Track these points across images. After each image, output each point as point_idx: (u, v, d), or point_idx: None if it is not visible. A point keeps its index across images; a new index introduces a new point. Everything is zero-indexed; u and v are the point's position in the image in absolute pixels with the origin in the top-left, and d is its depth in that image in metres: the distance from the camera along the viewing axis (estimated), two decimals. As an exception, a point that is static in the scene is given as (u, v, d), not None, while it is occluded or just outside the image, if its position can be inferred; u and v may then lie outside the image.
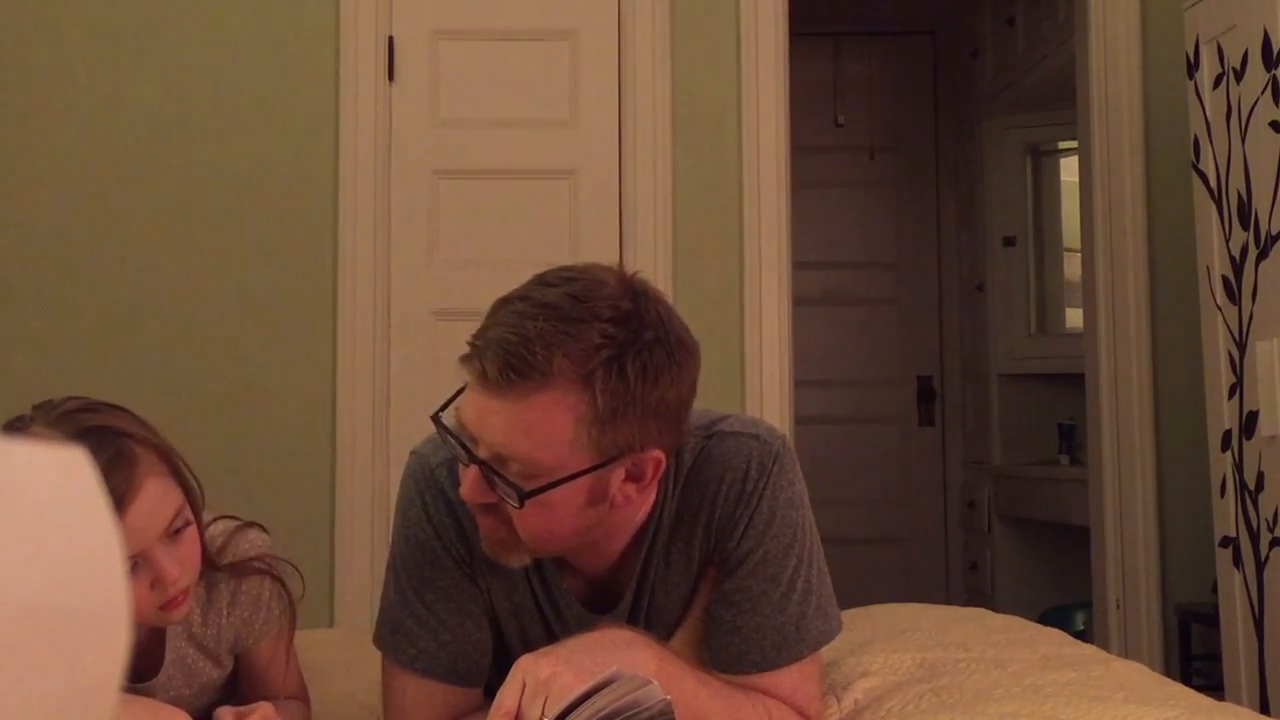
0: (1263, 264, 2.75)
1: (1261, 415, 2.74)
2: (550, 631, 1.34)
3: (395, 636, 1.34)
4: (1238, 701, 2.76)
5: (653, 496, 1.29)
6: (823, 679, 1.41)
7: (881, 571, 4.85)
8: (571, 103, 3.32)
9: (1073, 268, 4.53)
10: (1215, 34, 2.91)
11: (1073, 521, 4.06)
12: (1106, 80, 3.50)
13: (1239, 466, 2.84)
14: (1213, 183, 2.94)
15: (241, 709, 1.32)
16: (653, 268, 3.20)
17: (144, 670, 1.37)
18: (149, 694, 1.36)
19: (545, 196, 3.30)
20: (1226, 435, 2.90)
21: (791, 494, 1.31)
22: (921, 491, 5.13)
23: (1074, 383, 3.94)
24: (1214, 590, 3.03)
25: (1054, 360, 4.61)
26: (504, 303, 1.18)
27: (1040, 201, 4.89)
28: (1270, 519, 2.72)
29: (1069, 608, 4.30)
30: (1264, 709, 2.71)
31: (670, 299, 3.52)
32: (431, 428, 1.41)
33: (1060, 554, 4.55)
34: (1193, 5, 3.02)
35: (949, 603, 3.97)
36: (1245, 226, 2.81)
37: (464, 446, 1.18)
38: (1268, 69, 2.71)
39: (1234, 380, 2.86)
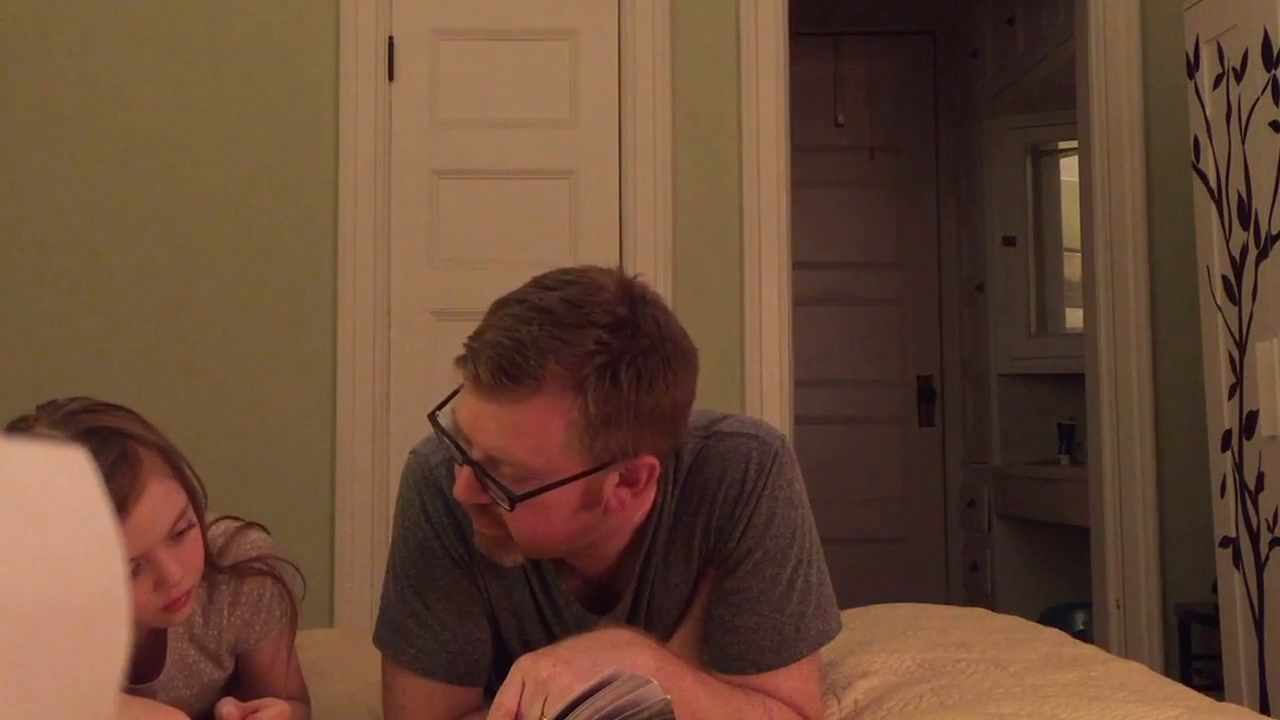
0: (1263, 264, 2.75)
1: (1261, 415, 2.74)
2: (549, 632, 1.34)
3: (395, 636, 1.34)
4: (1238, 701, 2.76)
5: (650, 499, 1.28)
6: (822, 679, 1.41)
7: (881, 571, 4.85)
8: (571, 103, 3.32)
9: (1073, 268, 4.54)
10: (1215, 34, 2.91)
11: (1073, 521, 4.06)
12: (1106, 80, 3.50)
13: (1239, 466, 2.84)
14: (1213, 183, 2.94)
15: (248, 704, 1.32)
16: (653, 268, 3.20)
17: (145, 671, 1.37)
18: (150, 695, 1.36)
19: (545, 196, 3.30)
20: (1226, 435, 2.90)
21: (790, 494, 1.31)
22: (921, 491, 5.13)
23: (1074, 383, 3.94)
24: (1214, 590, 3.03)
25: (1054, 360, 4.61)
26: (501, 305, 1.18)
27: (1040, 201, 4.89)
28: (1270, 519, 2.72)
29: (1069, 608, 4.30)
30: (1264, 709, 2.71)
31: (670, 299, 3.51)
32: (428, 428, 1.41)
33: (1060, 554, 4.55)
34: (1193, 5, 3.02)
35: (949, 603, 3.97)
36: (1245, 226, 2.81)
37: (458, 447, 1.19)
38: (1268, 69, 2.71)
39: (1234, 380, 2.86)
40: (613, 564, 1.33)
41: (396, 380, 3.23)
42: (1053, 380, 4.64)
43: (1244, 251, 2.82)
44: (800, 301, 3.81)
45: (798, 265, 3.50)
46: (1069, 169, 4.75)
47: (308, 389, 3.23)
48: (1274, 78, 2.69)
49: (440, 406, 1.22)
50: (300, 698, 1.50)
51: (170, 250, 3.24)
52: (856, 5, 5.12)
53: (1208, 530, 3.06)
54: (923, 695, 1.38)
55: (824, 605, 1.33)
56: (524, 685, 1.12)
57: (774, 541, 1.29)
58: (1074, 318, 4.53)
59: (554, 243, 3.24)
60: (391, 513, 1.46)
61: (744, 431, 1.33)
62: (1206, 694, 1.50)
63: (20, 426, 1.24)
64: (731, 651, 1.29)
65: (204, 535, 1.33)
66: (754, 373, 3.27)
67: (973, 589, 4.87)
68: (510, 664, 1.16)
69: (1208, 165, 2.96)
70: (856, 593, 2.76)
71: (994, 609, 2.28)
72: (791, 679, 1.30)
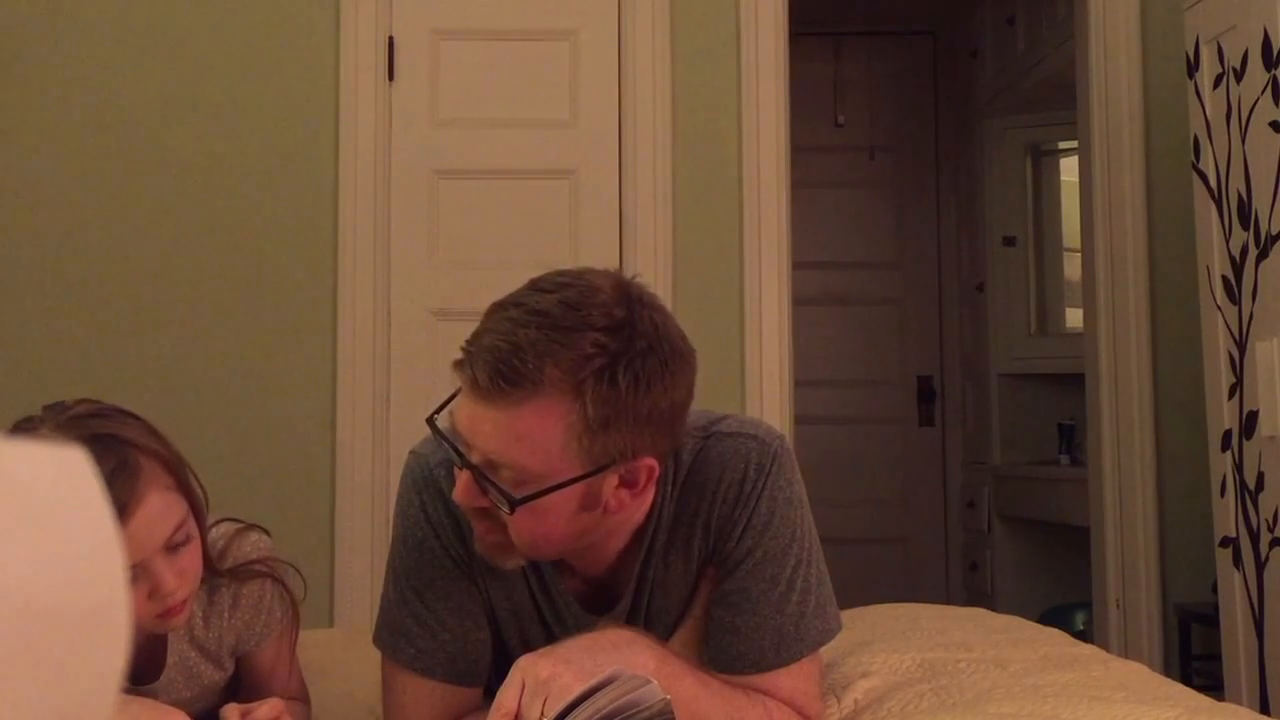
0: (1263, 264, 2.75)
1: (1261, 415, 2.74)
2: (549, 632, 1.34)
3: (395, 636, 1.34)
4: (1238, 701, 2.76)
5: (649, 499, 1.28)
6: (822, 679, 1.41)
7: (881, 571, 4.85)
8: (571, 103, 3.32)
9: (1073, 268, 4.54)
10: (1215, 34, 2.91)
11: (1073, 521, 4.06)
12: (1106, 80, 3.50)
13: (1239, 466, 2.84)
14: (1213, 183, 2.94)
15: (248, 705, 1.32)
16: (653, 268, 3.20)
17: (146, 673, 1.37)
18: (150, 696, 1.36)
19: (545, 196, 3.30)
20: (1226, 435, 2.90)
21: (790, 494, 1.31)
22: (921, 491, 5.13)
23: (1074, 383, 3.94)
24: (1214, 590, 3.03)
25: (1054, 360, 4.61)
26: (498, 308, 1.17)
27: (1040, 201, 4.89)
28: (1270, 519, 2.72)
29: (1069, 608, 4.30)
30: (1264, 709, 2.71)
31: (670, 300, 3.51)
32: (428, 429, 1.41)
33: (1060, 554, 4.55)
34: (1193, 5, 3.02)
35: (949, 603, 3.97)
36: (1245, 226, 2.81)
37: (457, 451, 1.19)
38: (1268, 69, 2.71)
39: (1234, 380, 2.86)
40: (612, 564, 1.33)
41: (396, 380, 3.23)
42: (1053, 380, 4.64)
43: (1244, 251, 2.82)
44: (800, 301, 3.81)
45: (798, 265, 3.50)
46: (1069, 169, 4.75)
47: (308, 389, 3.22)
48: (1274, 78, 2.69)
49: (439, 410, 1.22)
50: (300, 698, 1.50)
51: (170, 250, 3.24)
52: (856, 5, 5.12)
53: (1208, 530, 3.06)
54: (923, 695, 1.38)
55: (824, 605, 1.33)
56: (524, 685, 1.12)
57: (773, 542, 1.29)
58: (1074, 318, 4.52)
59: (554, 243, 3.24)
60: (391, 513, 1.46)
61: (743, 432, 1.33)
62: (1206, 694, 1.50)
63: (25, 427, 1.24)
64: (731, 651, 1.29)
65: (204, 543, 1.33)
66: (754, 373, 3.27)
67: (973, 589, 4.87)
68: (510, 664, 1.16)
69: (1208, 165, 2.96)
70: (856, 593, 2.76)
71: (994, 609, 2.28)
72: (792, 679, 1.30)
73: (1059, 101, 4.26)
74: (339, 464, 3.20)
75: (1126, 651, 3.32)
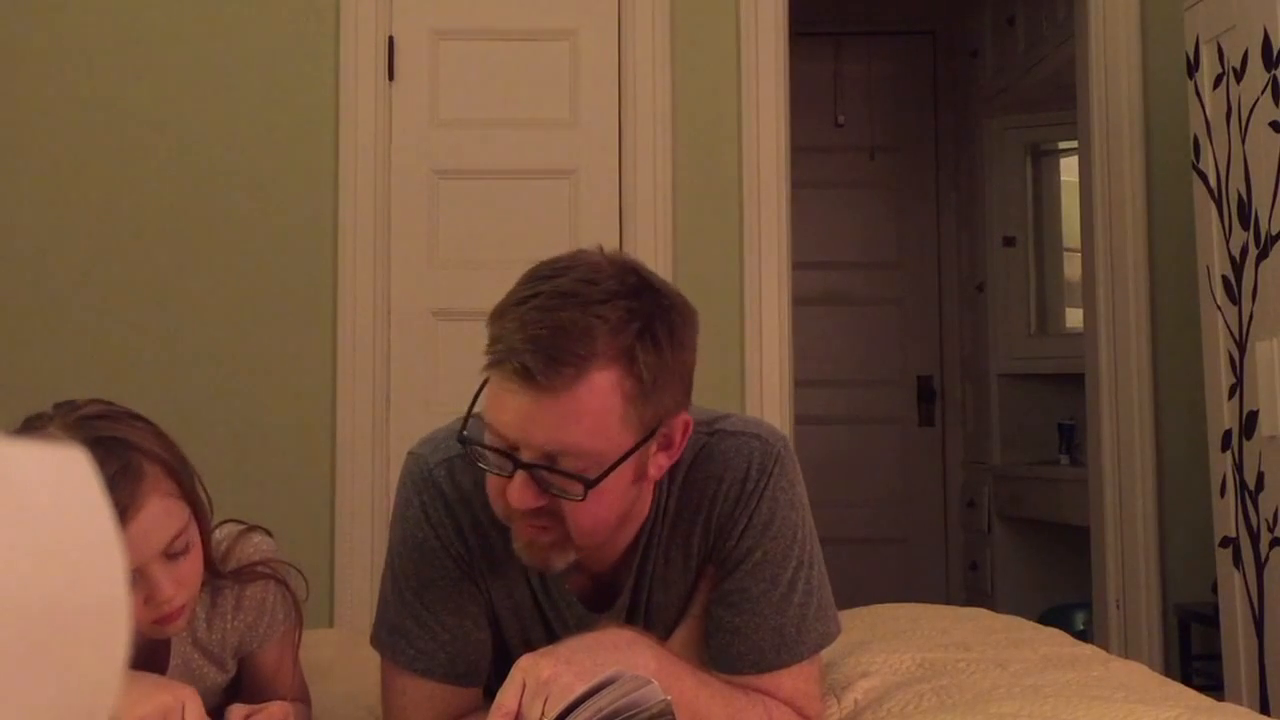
0: (1263, 264, 2.75)
1: (1261, 415, 2.74)
2: (550, 631, 1.34)
3: (394, 637, 1.34)
4: (1238, 701, 2.76)
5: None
6: (822, 679, 1.41)
7: (881, 571, 4.85)
8: (571, 103, 3.32)
9: (1073, 268, 4.54)
10: (1215, 34, 2.91)
11: (1073, 521, 4.06)
12: (1106, 80, 3.50)
13: (1239, 466, 2.84)
14: (1213, 183, 2.94)
15: (254, 707, 1.32)
16: (652, 268, 3.19)
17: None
18: None
19: (545, 196, 3.30)
20: (1226, 435, 2.90)
21: (792, 495, 1.31)
22: (921, 491, 5.13)
23: (1074, 383, 3.94)
24: (1214, 590, 3.03)
25: (1054, 360, 4.61)
26: (512, 305, 1.16)
27: (1040, 201, 4.89)
28: (1270, 519, 2.72)
29: (1069, 608, 4.30)
30: (1264, 709, 2.71)
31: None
32: (428, 428, 1.41)
33: (1060, 554, 4.55)
34: (1193, 5, 3.02)
35: (949, 603, 3.97)
36: (1245, 226, 2.81)
37: (506, 456, 1.17)
38: (1268, 69, 2.71)
39: (1234, 380, 2.86)
40: (614, 560, 1.33)
41: (396, 380, 3.23)
42: (1053, 380, 4.64)
43: (1244, 251, 2.82)
44: (800, 301, 3.81)
45: (798, 265, 3.50)
46: (1069, 169, 4.75)
47: (308, 389, 3.22)
48: (1274, 78, 2.69)
49: (464, 425, 1.21)
50: (301, 698, 1.49)
51: (170, 250, 3.24)
52: (856, 5, 5.12)
53: (1208, 530, 3.06)
54: (923, 695, 1.38)
55: (824, 608, 1.33)
56: (525, 685, 1.12)
57: (774, 542, 1.29)
58: (1074, 318, 4.52)
59: (554, 243, 3.21)
60: (391, 513, 1.46)
61: (746, 431, 1.33)
62: (1206, 694, 1.50)
63: (35, 424, 1.24)
64: (731, 652, 1.29)
65: (208, 548, 1.33)
66: (754, 373, 3.27)
67: (973, 589, 4.87)
68: (511, 664, 1.16)
69: (1208, 165, 2.96)
70: (856, 593, 2.76)
71: (994, 609, 2.28)
72: (792, 680, 1.30)
73: (1059, 101, 4.26)
74: (339, 464, 3.20)
75: (1126, 651, 3.32)
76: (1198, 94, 2.99)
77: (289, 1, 3.30)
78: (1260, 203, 2.75)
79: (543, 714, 1.08)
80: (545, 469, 1.15)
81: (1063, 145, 4.80)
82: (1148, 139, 3.45)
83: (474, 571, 1.33)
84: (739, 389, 3.25)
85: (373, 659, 1.43)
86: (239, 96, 3.28)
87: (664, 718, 1.07)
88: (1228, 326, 2.89)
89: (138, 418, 1.28)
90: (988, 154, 4.89)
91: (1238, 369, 2.85)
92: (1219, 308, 2.91)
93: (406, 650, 1.33)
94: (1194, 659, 3.36)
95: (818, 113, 5.06)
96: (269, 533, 1.46)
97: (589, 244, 3.44)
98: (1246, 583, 2.81)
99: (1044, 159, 4.92)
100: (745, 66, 3.33)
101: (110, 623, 0.43)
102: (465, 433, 1.21)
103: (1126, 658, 1.96)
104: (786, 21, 3.39)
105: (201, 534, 1.30)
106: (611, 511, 1.21)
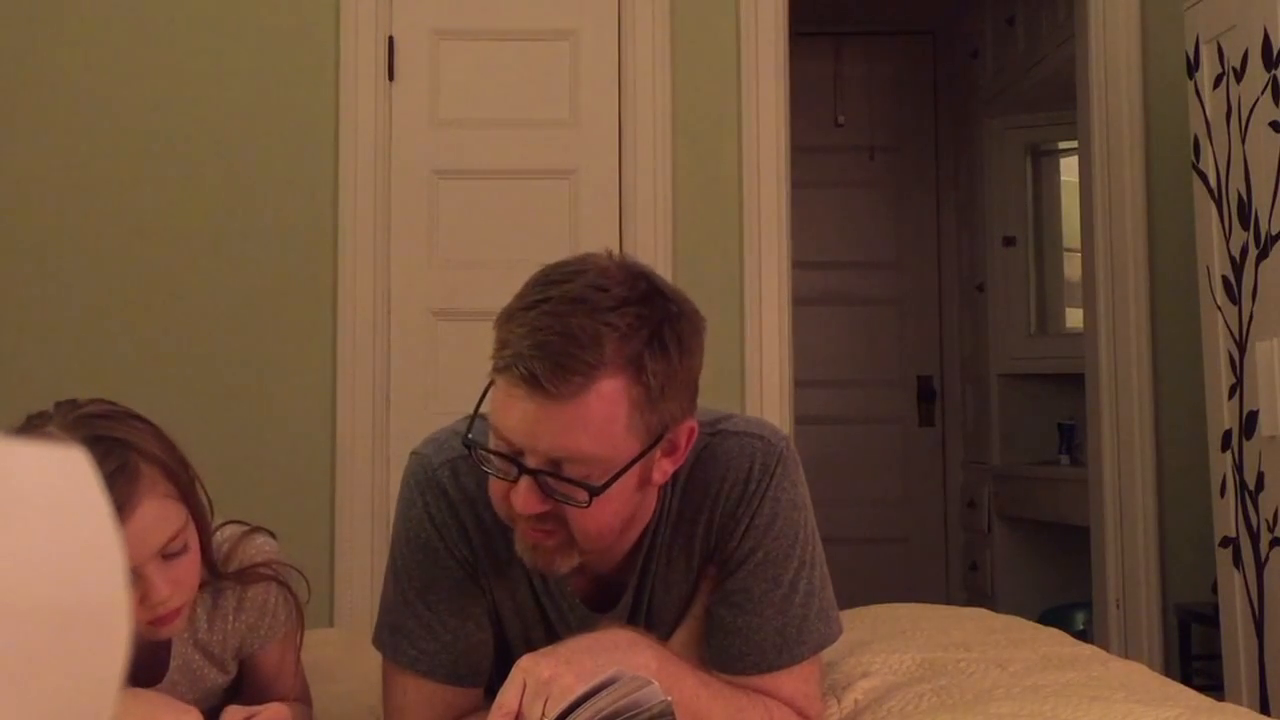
0: (1263, 264, 2.75)
1: (1261, 415, 2.74)
2: (552, 631, 1.33)
3: (395, 637, 1.34)
4: (1238, 701, 2.76)
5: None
6: (823, 680, 1.41)
7: (881, 571, 4.85)
8: (571, 103, 3.32)
9: (1073, 268, 4.54)
10: (1215, 34, 2.91)
11: (1073, 521, 4.06)
12: (1106, 80, 3.50)
13: (1239, 466, 2.84)
14: (1213, 183, 2.94)
15: (251, 709, 1.32)
16: (652, 268, 3.20)
17: (148, 676, 1.37)
18: None
19: (545, 196, 3.30)
20: (1226, 435, 2.90)
21: (794, 495, 1.31)
22: (921, 491, 5.13)
23: (1074, 383, 3.94)
24: (1214, 590, 3.03)
25: (1054, 360, 4.61)
26: (520, 310, 1.16)
27: (1040, 201, 4.89)
28: (1270, 519, 2.72)
29: (1069, 608, 4.30)
30: (1264, 709, 2.71)
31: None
32: (430, 428, 1.41)
33: (1060, 554, 4.55)
34: (1193, 5, 3.02)
35: (949, 603, 3.97)
36: (1245, 226, 2.81)
37: (513, 461, 1.16)
38: (1268, 69, 2.71)
39: (1234, 380, 2.86)
40: (618, 561, 1.33)
41: (396, 380, 3.23)
42: (1053, 380, 4.64)
43: (1244, 251, 2.82)
44: (800, 301, 3.81)
45: (798, 265, 3.50)
46: (1069, 169, 4.75)
47: (308, 389, 3.22)
48: (1274, 78, 2.69)
49: (469, 429, 1.21)
50: (302, 699, 1.49)
51: (170, 250, 3.24)
52: (856, 5, 5.12)
53: (1208, 530, 3.06)
54: (923, 695, 1.38)
55: (826, 609, 1.33)
56: (525, 686, 1.12)
57: (776, 543, 1.29)
58: (1074, 318, 4.52)
59: (554, 243, 3.23)
60: (392, 513, 1.46)
61: (749, 431, 1.33)
62: (1206, 694, 1.50)
63: (35, 423, 1.24)
64: (732, 652, 1.29)
65: (209, 549, 1.32)
66: (754, 373, 3.27)
67: (973, 589, 4.87)
68: (512, 664, 1.16)
69: (1208, 165, 2.96)
70: (856, 593, 2.76)
71: (994, 609, 2.28)
72: (793, 680, 1.30)
73: (1059, 101, 4.26)
74: (339, 464, 3.20)
75: (1126, 651, 3.32)
76: (1198, 94, 2.99)
77: (289, 2, 3.30)
78: (1260, 203, 2.75)
79: (543, 714, 1.08)
80: (550, 475, 1.15)
81: (1063, 145, 4.80)
82: (1148, 139, 3.45)
83: (477, 572, 1.33)
84: (739, 389, 3.25)
85: (373, 659, 1.43)
86: (239, 96, 3.28)
87: (664, 718, 1.07)
88: (1228, 326, 2.89)
89: (138, 418, 1.28)
90: (988, 154, 4.89)
91: (1238, 369, 2.85)
92: (1219, 308, 2.91)
93: (408, 650, 1.33)
94: (1194, 659, 3.36)
95: (818, 113, 5.06)
96: (272, 534, 1.46)
97: (588, 244, 3.43)
98: (1246, 583, 2.81)
99: (1044, 159, 4.92)
100: (745, 66, 3.33)
101: (110, 623, 0.43)
102: (470, 435, 1.20)
103: (1126, 658, 1.96)
104: (786, 21, 3.39)
105: (200, 535, 1.30)
106: (616, 517, 1.21)
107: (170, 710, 1.23)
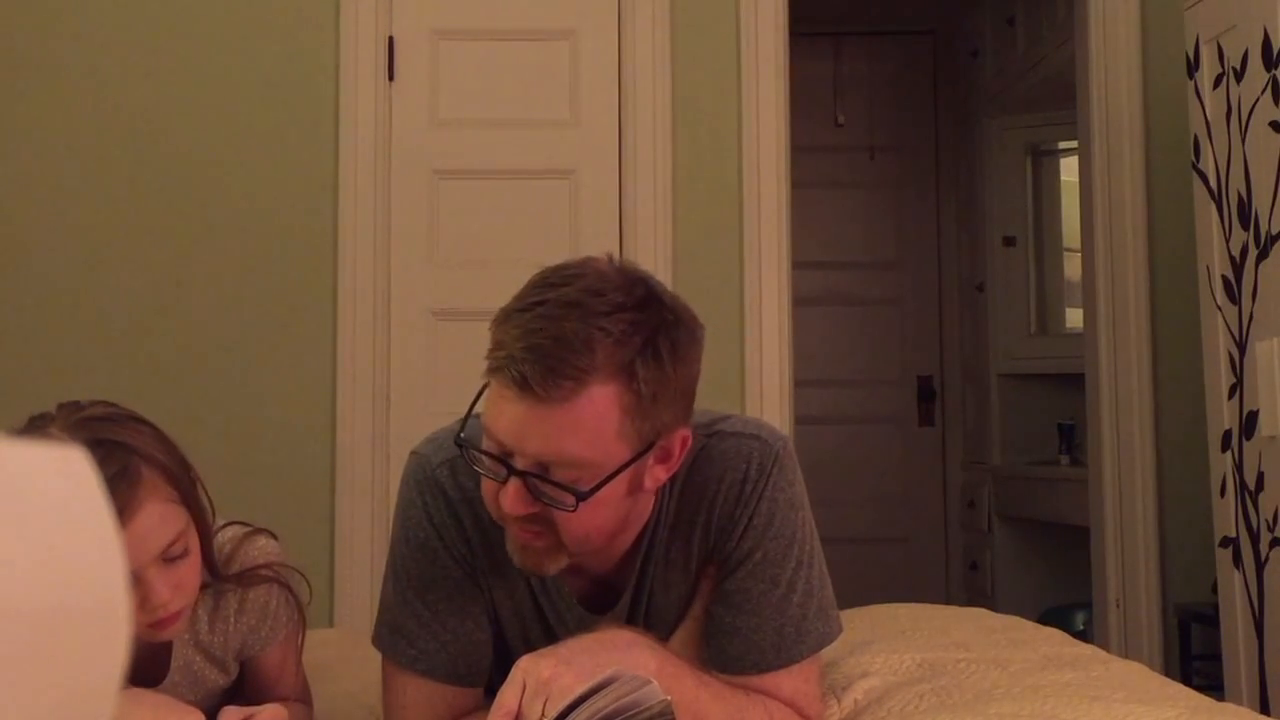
0: (1263, 264, 2.75)
1: (1261, 415, 2.74)
2: (551, 632, 1.33)
3: (395, 637, 1.34)
4: (1238, 701, 2.76)
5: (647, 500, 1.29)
6: (822, 679, 1.41)
7: (881, 571, 4.85)
8: (571, 103, 3.32)
9: (1073, 268, 4.54)
10: (1215, 34, 2.91)
11: (1073, 521, 4.06)
12: (1106, 80, 3.50)
13: (1239, 466, 2.84)
14: (1213, 183, 2.94)
15: (248, 709, 1.32)
16: (653, 268, 3.18)
17: (149, 677, 1.37)
18: None
19: (545, 196, 3.30)
20: (1226, 435, 2.90)
21: (791, 495, 1.31)
22: (921, 491, 5.13)
23: (1074, 383, 3.94)
24: (1214, 590, 3.03)
25: (1054, 360, 4.61)
26: (517, 311, 1.16)
27: (1040, 201, 4.89)
28: (1270, 519, 2.72)
29: (1069, 608, 4.30)
30: (1264, 709, 2.71)
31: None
32: (430, 428, 1.41)
33: (1060, 554, 4.55)
34: (1193, 5, 3.02)
35: (949, 603, 3.97)
36: (1245, 226, 2.81)
37: (502, 462, 1.17)
38: (1268, 69, 2.71)
39: (1234, 380, 2.86)
40: (615, 563, 1.33)
41: (396, 380, 3.23)
42: (1053, 380, 4.64)
43: (1244, 251, 2.82)
44: (800, 301, 3.81)
45: (798, 265, 3.50)
46: (1069, 169, 4.75)
47: (308, 389, 3.22)
48: (1274, 78, 2.69)
49: (462, 428, 1.21)
50: (303, 700, 1.49)
51: (170, 250, 3.24)
52: (856, 5, 5.12)
53: (1208, 530, 3.06)
54: (923, 695, 1.38)
55: (825, 608, 1.33)
56: (525, 686, 1.12)
57: (774, 543, 1.29)
58: (1074, 318, 4.52)
59: (554, 242, 3.23)
60: (391, 513, 1.46)
61: (746, 432, 1.33)
62: (1206, 694, 1.50)
63: (38, 424, 1.24)
64: (731, 652, 1.29)
65: (210, 552, 1.32)
66: (754, 373, 3.27)
67: (973, 589, 4.87)
68: (512, 664, 1.16)
69: (1208, 165, 2.96)
70: (856, 593, 2.76)
71: (994, 609, 2.27)
72: (792, 680, 1.30)
73: (1059, 101, 4.26)
74: (339, 464, 3.20)
75: (1126, 651, 3.32)
76: (1198, 94, 2.99)
77: (289, 1, 3.30)
78: (1260, 203, 2.75)
79: (543, 714, 1.08)
80: (538, 478, 1.15)
81: (1063, 145, 4.80)
82: (1148, 139, 3.45)
83: (476, 572, 1.33)
84: (739, 389, 3.25)
85: (373, 658, 1.43)
86: (239, 96, 3.28)
87: (664, 717, 1.07)
88: (1228, 326, 2.89)
89: (140, 420, 1.28)
90: (988, 154, 4.89)
91: (1238, 369, 2.85)
92: (1219, 308, 2.91)
93: (408, 650, 1.33)
94: (1194, 659, 3.36)
95: (818, 113, 5.06)
96: (273, 535, 1.46)
97: (588, 244, 3.44)
98: (1246, 583, 2.81)
99: (1044, 159, 4.92)
100: (745, 66, 3.33)
101: (110, 624, 0.43)
102: (463, 435, 1.20)
103: (1126, 658, 1.96)
104: (786, 21, 3.39)
105: (201, 538, 1.29)
106: (605, 521, 1.21)
107: (173, 712, 1.23)
